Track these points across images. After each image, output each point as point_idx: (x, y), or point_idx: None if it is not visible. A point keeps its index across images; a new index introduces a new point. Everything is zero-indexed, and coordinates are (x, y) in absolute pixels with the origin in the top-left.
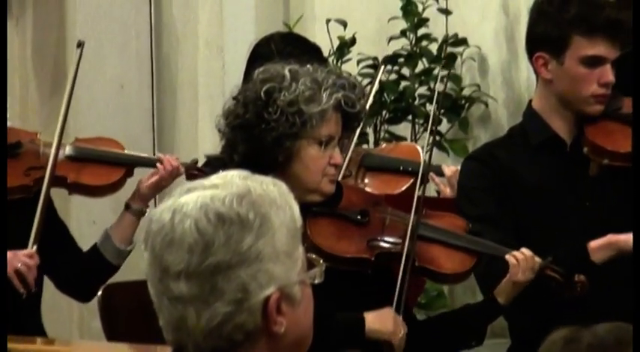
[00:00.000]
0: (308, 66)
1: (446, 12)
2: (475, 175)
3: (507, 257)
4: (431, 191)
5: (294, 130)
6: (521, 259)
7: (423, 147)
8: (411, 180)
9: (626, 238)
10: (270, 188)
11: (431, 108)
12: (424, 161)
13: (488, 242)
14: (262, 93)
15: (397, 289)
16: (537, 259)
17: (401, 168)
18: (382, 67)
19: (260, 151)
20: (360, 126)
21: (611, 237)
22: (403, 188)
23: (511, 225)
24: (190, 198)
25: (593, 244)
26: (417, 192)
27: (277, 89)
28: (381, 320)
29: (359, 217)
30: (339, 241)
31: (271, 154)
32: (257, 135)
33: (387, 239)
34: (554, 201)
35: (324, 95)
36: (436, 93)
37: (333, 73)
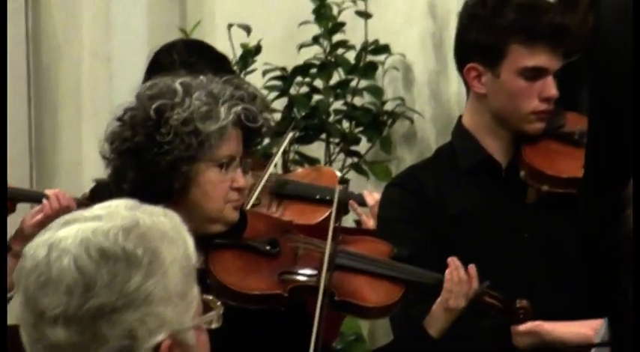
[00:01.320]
0: (201, 77)
1: (365, 15)
2: (397, 205)
3: (442, 277)
4: (349, 221)
5: (190, 153)
6: (456, 283)
7: (341, 171)
8: (329, 210)
9: (552, 328)
10: (160, 219)
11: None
12: (340, 188)
13: (416, 268)
14: (152, 112)
15: (315, 327)
16: (474, 284)
17: (317, 196)
18: (290, 133)
19: (153, 178)
20: (282, 149)
21: (537, 325)
22: (320, 219)
23: (438, 263)
24: (69, 232)
25: (520, 328)
26: (333, 221)
27: (169, 106)
28: None
29: (268, 248)
30: (247, 277)
31: (166, 181)
32: (149, 160)
33: (301, 271)
34: (489, 233)
35: (222, 110)
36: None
37: (230, 84)
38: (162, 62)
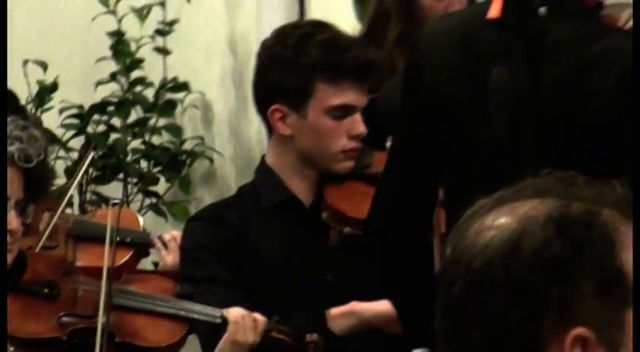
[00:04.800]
0: None
1: (164, 52)
2: (201, 234)
3: (225, 312)
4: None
5: None
6: (239, 316)
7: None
8: (131, 252)
9: (369, 307)
10: None
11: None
12: (112, 227)
13: (199, 306)
14: None
15: None
16: (261, 318)
17: (118, 238)
18: (90, 153)
19: None
20: (71, 191)
21: (354, 305)
22: (121, 261)
23: (244, 291)
24: None
25: (333, 311)
26: (107, 258)
27: None
28: None
29: (46, 290)
30: (25, 321)
31: None
32: None
33: (79, 313)
34: (291, 273)
35: None
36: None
37: (13, 124)
38: None
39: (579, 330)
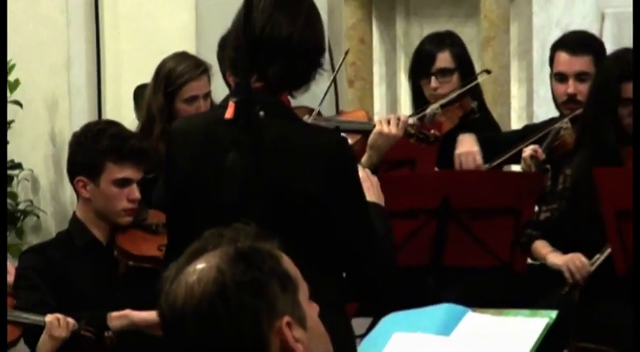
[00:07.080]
0: None
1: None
2: (30, 260)
3: (46, 317)
4: None
5: None
6: (55, 318)
7: None
8: None
9: (141, 315)
10: None
11: None
12: None
13: (29, 314)
14: None
15: None
16: (71, 320)
17: None
18: None
19: None
20: None
21: (128, 311)
22: None
23: (56, 301)
24: None
25: (114, 313)
26: None
27: None
28: None
29: None
30: None
31: None
32: None
33: None
34: (95, 294)
35: None
36: None
37: None
38: None
39: (284, 319)
